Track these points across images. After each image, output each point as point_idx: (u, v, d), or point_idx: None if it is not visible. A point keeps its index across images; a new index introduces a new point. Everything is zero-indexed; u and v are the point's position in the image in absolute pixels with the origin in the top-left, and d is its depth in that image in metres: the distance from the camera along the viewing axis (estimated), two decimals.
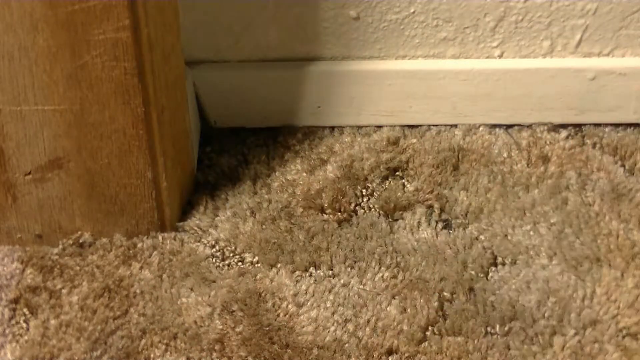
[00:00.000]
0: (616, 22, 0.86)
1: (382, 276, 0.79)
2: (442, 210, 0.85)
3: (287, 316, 0.77)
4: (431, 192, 0.86)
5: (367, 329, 0.76)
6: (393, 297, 0.78)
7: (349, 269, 0.80)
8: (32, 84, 0.73)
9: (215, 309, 0.78)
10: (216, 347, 0.75)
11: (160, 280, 0.80)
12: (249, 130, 0.93)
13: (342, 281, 0.79)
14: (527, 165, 0.88)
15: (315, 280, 0.80)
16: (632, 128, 0.92)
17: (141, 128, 0.75)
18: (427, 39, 0.86)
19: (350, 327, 0.76)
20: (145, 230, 0.83)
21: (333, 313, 0.77)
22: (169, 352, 0.75)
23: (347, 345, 0.75)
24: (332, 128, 0.92)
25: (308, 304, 0.78)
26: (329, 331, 0.76)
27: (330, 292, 0.79)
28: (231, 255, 0.83)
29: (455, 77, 0.88)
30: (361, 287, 0.79)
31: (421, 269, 0.80)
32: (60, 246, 0.82)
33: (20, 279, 0.80)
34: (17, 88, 0.73)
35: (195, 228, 0.84)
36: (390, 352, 0.74)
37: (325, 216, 0.85)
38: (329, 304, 0.78)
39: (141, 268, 0.80)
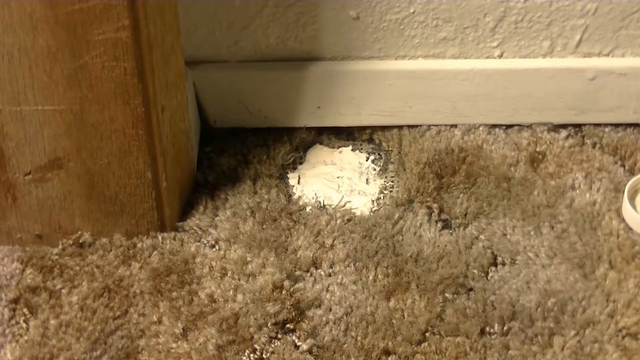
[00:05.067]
0: (616, 22, 0.86)
1: (381, 276, 0.79)
2: (441, 210, 0.85)
3: None
4: (431, 192, 0.86)
5: (365, 329, 0.76)
6: (391, 297, 0.78)
7: (348, 268, 0.80)
8: (32, 84, 0.73)
9: None
10: None
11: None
12: (249, 130, 0.93)
13: (340, 280, 0.79)
14: (527, 165, 0.88)
15: (315, 279, 0.80)
16: (632, 128, 0.92)
17: (141, 128, 0.75)
18: (427, 39, 0.86)
19: (348, 327, 0.76)
20: (145, 230, 0.83)
21: (331, 312, 0.77)
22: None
23: (345, 345, 0.75)
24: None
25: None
26: (327, 331, 0.76)
27: (328, 291, 0.79)
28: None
29: (455, 77, 0.88)
30: (360, 287, 0.79)
31: (421, 269, 0.80)
32: (60, 246, 0.82)
33: (20, 279, 0.79)
34: (17, 88, 0.73)
35: (195, 228, 0.84)
36: (388, 352, 0.74)
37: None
38: (327, 303, 0.78)
39: (141, 268, 0.80)
